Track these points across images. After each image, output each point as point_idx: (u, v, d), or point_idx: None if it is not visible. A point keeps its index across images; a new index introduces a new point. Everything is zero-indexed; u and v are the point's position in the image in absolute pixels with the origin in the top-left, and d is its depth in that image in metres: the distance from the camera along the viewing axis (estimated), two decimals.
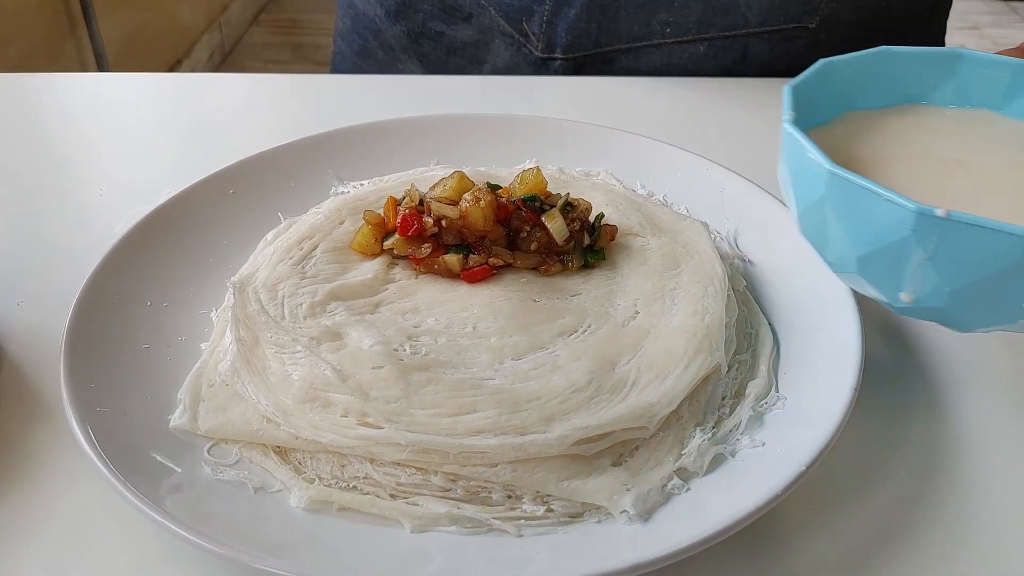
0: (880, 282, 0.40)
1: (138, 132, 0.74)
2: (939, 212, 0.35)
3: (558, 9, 0.78)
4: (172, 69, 2.54)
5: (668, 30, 0.78)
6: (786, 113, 0.42)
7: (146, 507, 0.38)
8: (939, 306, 0.38)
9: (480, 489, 0.41)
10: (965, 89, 0.47)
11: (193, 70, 2.63)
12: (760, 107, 0.78)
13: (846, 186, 0.38)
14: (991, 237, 0.35)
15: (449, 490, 0.41)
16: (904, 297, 0.39)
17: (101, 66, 2.18)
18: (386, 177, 0.61)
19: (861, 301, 0.48)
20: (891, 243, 0.37)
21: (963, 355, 0.51)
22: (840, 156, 0.42)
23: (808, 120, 0.44)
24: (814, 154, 0.39)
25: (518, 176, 0.54)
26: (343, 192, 0.60)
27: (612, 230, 0.54)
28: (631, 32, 0.78)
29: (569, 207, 0.53)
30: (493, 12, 0.79)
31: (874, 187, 0.37)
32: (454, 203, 0.52)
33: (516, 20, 0.79)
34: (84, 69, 2.14)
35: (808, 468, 0.39)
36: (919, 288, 0.38)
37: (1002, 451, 0.46)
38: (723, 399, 0.46)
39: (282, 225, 0.56)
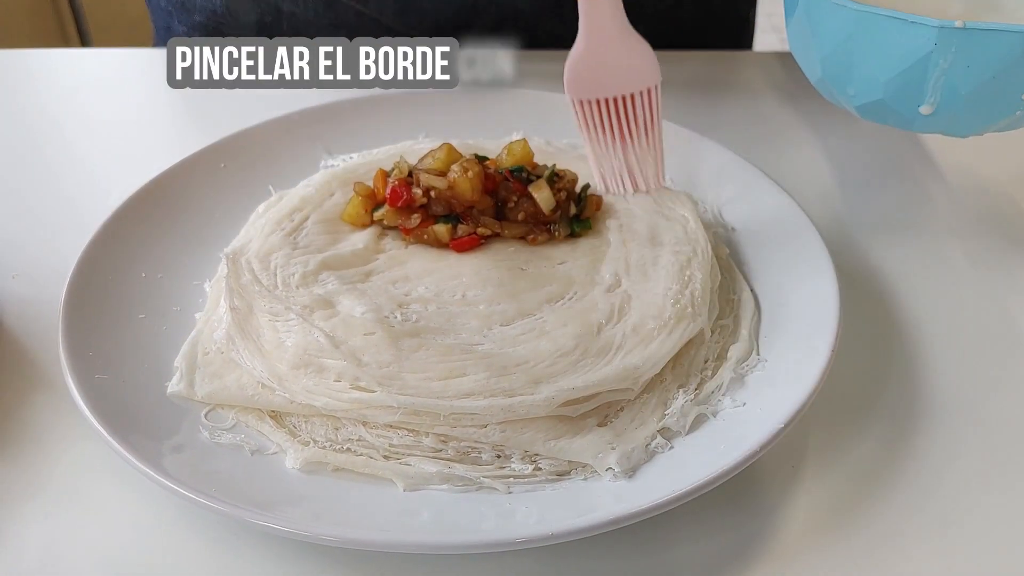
0: (904, 100, 0.46)
1: (126, 108, 0.74)
2: (957, 24, 0.42)
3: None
4: (155, 45, 2.52)
5: None
6: None
7: (146, 467, 0.39)
8: (954, 112, 0.46)
9: (470, 449, 0.43)
10: None
11: None
12: (744, 81, 0.79)
13: (874, 19, 0.45)
14: (999, 38, 0.42)
15: (440, 451, 0.43)
16: (924, 110, 0.46)
17: (84, 42, 2.16)
18: (375, 150, 0.62)
19: (839, 267, 0.49)
20: (916, 60, 0.44)
21: (938, 319, 0.53)
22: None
23: None
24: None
25: (505, 147, 0.55)
26: (332, 165, 0.61)
27: (598, 200, 0.55)
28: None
29: (556, 178, 0.54)
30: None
31: (899, 15, 0.44)
32: (442, 174, 0.53)
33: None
34: (67, 45, 2.12)
35: (786, 426, 0.41)
36: (938, 97, 0.45)
37: (974, 412, 0.48)
38: (706, 362, 0.47)
39: (273, 198, 0.57)
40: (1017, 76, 0.44)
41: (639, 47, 0.53)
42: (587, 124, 0.54)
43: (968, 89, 0.45)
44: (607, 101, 0.53)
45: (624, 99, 0.54)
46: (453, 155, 0.54)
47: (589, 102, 0.53)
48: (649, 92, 0.54)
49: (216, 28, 0.78)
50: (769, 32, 1.75)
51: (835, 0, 0.46)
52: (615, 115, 0.54)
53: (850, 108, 0.51)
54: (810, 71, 0.51)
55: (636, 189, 0.55)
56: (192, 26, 0.79)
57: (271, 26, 0.76)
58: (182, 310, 0.51)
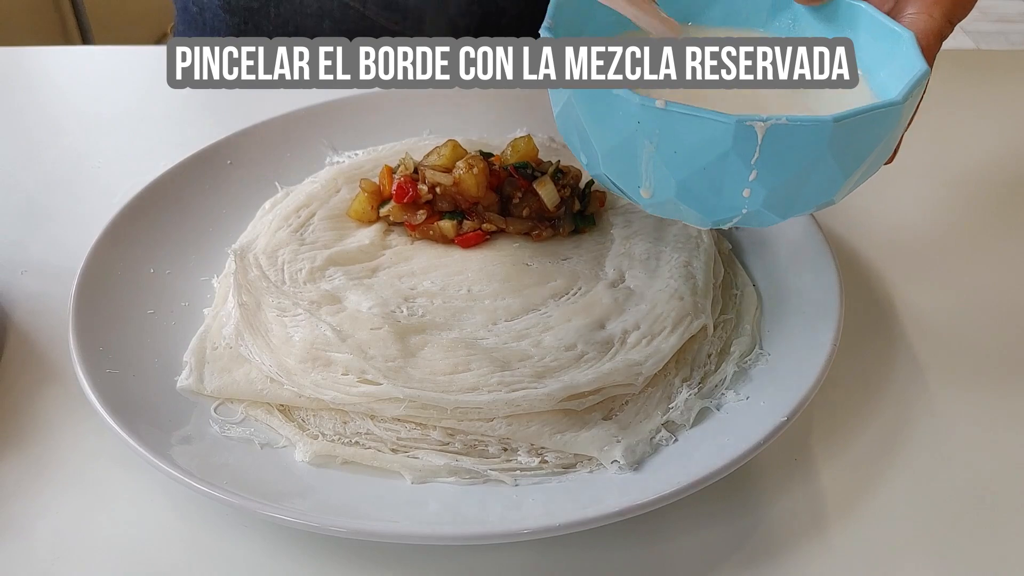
0: (624, 180, 0.41)
1: (133, 105, 0.75)
2: (658, 103, 0.36)
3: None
4: (159, 42, 2.52)
5: None
6: (546, 20, 0.42)
7: (157, 459, 0.39)
8: (671, 198, 0.39)
9: (477, 443, 0.43)
10: (734, 10, 0.47)
11: None
12: None
13: (584, 91, 0.39)
14: (702, 125, 0.36)
15: (447, 444, 0.43)
16: (643, 193, 0.40)
17: (86, 39, 2.16)
18: (380, 147, 0.62)
19: (840, 261, 0.50)
20: (624, 139, 0.38)
21: (940, 312, 0.53)
22: None
23: (583, 32, 0.44)
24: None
25: (510, 144, 0.55)
26: (338, 162, 0.62)
27: (602, 196, 0.56)
28: None
29: (560, 174, 0.54)
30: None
31: (614, 91, 0.37)
32: (448, 171, 0.53)
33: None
34: (67, 42, 2.12)
35: (789, 419, 0.41)
36: (652, 182, 0.39)
37: (976, 406, 0.48)
38: (709, 356, 0.48)
39: (279, 194, 0.58)
40: (732, 170, 0.37)
41: None
42: None
43: (679, 177, 0.38)
44: None
45: None
46: (458, 152, 0.54)
47: None
48: None
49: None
50: None
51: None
52: None
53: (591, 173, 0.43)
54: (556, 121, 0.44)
55: None
56: (202, 7, 0.80)
57: (258, 12, 0.77)
58: (190, 305, 0.51)
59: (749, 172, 0.37)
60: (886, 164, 0.43)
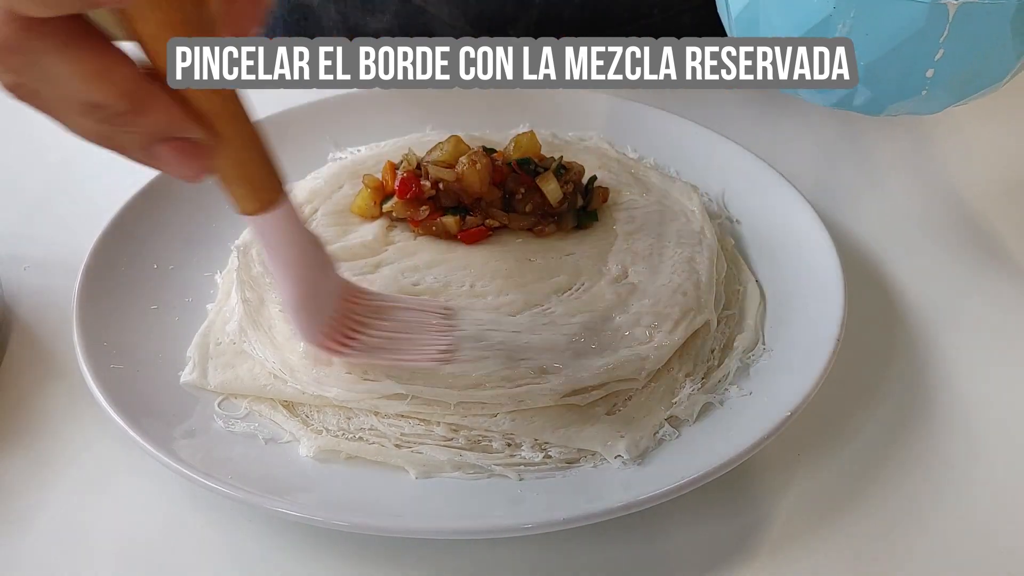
0: None
1: None
2: None
3: (549, 11, 0.75)
4: None
5: (656, 10, 0.78)
6: None
7: (162, 454, 0.40)
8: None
9: (481, 438, 0.43)
10: None
11: None
12: None
13: None
14: (897, 5, 0.40)
15: (451, 439, 0.43)
16: None
17: None
18: (382, 143, 0.62)
19: (843, 258, 0.50)
20: (818, 23, 0.42)
21: (942, 309, 0.53)
22: None
23: None
24: None
25: (513, 140, 0.55)
26: (340, 158, 0.62)
27: (604, 192, 0.56)
28: (621, 17, 0.79)
29: (563, 170, 0.54)
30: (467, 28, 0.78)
31: None
32: (451, 166, 0.53)
33: (498, 30, 0.77)
34: None
35: (792, 415, 0.41)
36: None
37: (978, 402, 0.48)
38: (712, 351, 0.48)
39: None
40: (921, 51, 0.42)
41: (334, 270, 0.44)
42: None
43: (869, 59, 0.42)
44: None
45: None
46: (461, 147, 0.54)
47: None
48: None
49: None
50: None
51: None
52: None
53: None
54: (727, 29, 0.49)
55: None
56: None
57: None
58: (194, 301, 0.51)
59: (936, 51, 0.40)
60: None
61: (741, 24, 0.46)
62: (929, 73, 0.42)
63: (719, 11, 0.50)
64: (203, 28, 0.34)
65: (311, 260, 0.42)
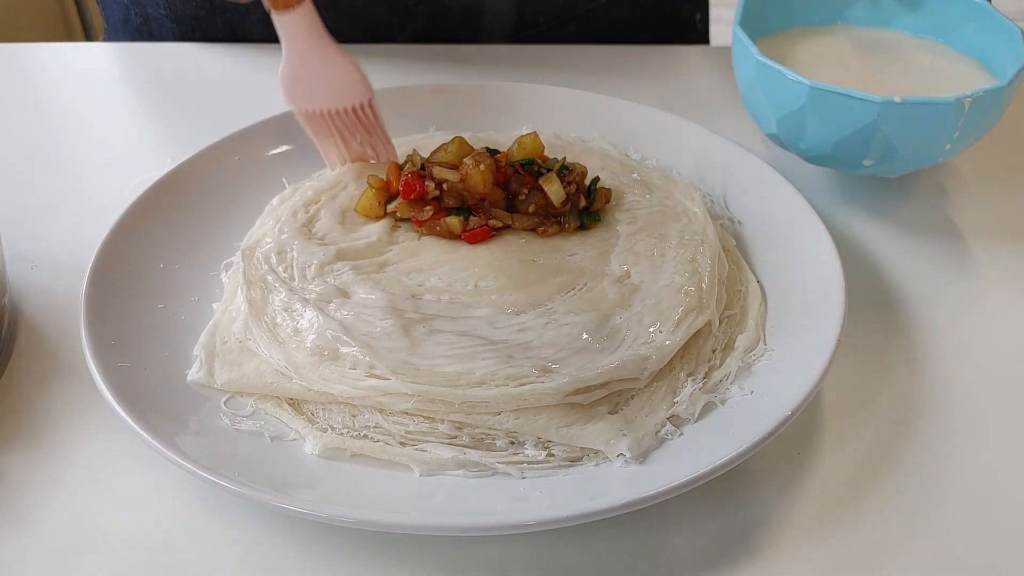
0: (849, 157, 0.56)
1: (141, 101, 0.75)
2: (897, 99, 0.52)
3: (434, 20, 0.77)
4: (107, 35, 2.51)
5: (541, 19, 0.78)
6: (736, 18, 0.59)
7: (169, 451, 0.40)
8: (890, 163, 0.56)
9: (485, 436, 0.44)
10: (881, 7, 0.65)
11: None
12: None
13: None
14: (932, 108, 0.52)
15: (455, 437, 0.44)
16: (866, 163, 0.56)
17: (88, 36, 2.16)
18: None
19: (844, 259, 0.50)
20: (862, 128, 0.53)
21: (942, 310, 0.54)
22: (779, 58, 0.60)
23: (756, 30, 0.60)
24: (749, 47, 0.57)
25: (516, 141, 0.56)
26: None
27: (607, 193, 0.56)
28: (506, 27, 0.79)
29: (566, 171, 0.55)
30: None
31: (847, 91, 0.53)
32: (455, 167, 0.53)
33: (386, 38, 0.78)
34: (70, 39, 2.13)
35: (793, 414, 0.42)
36: (879, 153, 0.55)
37: (978, 403, 0.48)
38: (714, 351, 0.48)
39: (287, 191, 0.58)
40: (946, 131, 0.53)
41: (343, 67, 0.56)
42: (313, 130, 0.58)
43: (904, 146, 0.54)
44: (329, 112, 0.57)
45: (345, 111, 0.57)
46: (465, 148, 0.55)
47: (312, 112, 0.57)
48: (363, 107, 0.57)
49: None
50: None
51: (790, 77, 0.54)
52: (339, 122, 0.57)
53: (799, 155, 0.59)
54: (765, 126, 0.59)
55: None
56: (145, 18, 0.81)
57: (205, 20, 0.78)
58: (200, 300, 0.52)
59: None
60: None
61: (785, 126, 0.57)
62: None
63: (745, 102, 0.61)
64: None
65: (316, 50, 0.55)
